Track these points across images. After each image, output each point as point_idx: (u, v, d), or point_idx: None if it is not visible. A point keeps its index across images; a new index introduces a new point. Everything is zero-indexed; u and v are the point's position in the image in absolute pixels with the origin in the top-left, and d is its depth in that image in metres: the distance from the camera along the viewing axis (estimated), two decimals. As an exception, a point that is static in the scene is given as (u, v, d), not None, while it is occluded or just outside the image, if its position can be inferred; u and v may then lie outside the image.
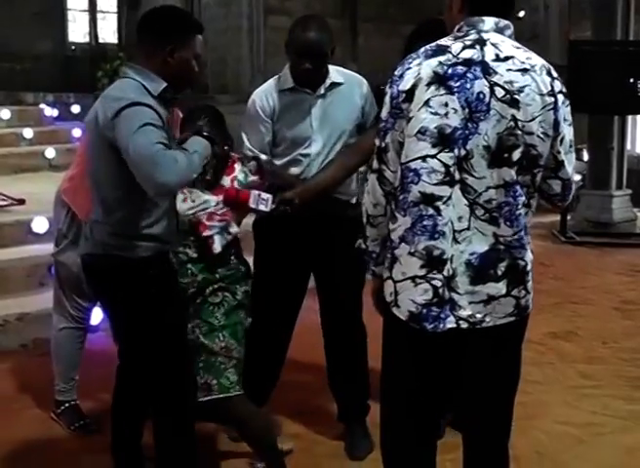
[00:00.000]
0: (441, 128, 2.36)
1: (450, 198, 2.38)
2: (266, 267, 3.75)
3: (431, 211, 2.39)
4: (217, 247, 3.23)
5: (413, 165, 2.40)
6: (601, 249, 8.76)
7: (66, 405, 4.07)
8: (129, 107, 2.72)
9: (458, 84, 2.35)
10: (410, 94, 2.41)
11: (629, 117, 10.12)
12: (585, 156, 10.53)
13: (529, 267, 2.47)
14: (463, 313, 2.41)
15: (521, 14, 12.45)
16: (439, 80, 2.37)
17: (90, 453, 3.77)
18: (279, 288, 3.71)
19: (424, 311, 2.43)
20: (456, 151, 2.36)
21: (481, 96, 2.34)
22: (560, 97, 2.40)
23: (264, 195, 3.30)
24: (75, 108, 11.45)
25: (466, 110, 2.35)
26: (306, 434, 3.88)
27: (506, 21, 2.45)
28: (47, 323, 5.22)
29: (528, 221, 2.45)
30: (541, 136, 2.37)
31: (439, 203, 2.38)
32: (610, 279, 7.44)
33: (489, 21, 2.43)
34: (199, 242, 3.26)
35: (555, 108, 2.38)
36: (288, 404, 4.19)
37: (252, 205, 3.27)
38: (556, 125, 2.40)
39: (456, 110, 2.35)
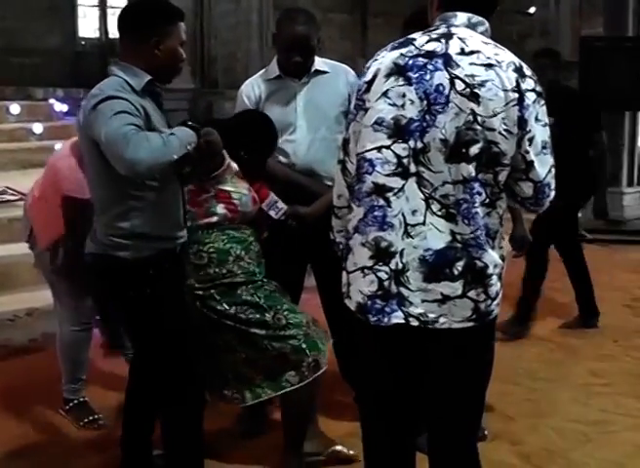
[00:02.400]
0: (397, 119, 2.34)
1: (402, 190, 2.34)
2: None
3: (382, 202, 2.37)
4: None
5: (368, 155, 2.39)
6: (612, 246, 8.74)
7: (75, 401, 4.06)
8: (104, 101, 2.73)
9: (416, 75, 2.34)
10: (369, 85, 2.43)
11: (640, 114, 10.06)
12: (596, 153, 10.49)
13: (491, 270, 2.33)
14: (414, 310, 2.35)
15: (532, 9, 12.39)
16: (398, 71, 2.37)
17: (99, 448, 3.79)
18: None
19: (369, 303, 2.40)
20: (411, 143, 2.33)
21: (440, 88, 2.31)
22: (530, 96, 2.31)
23: (280, 204, 3.34)
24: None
25: (424, 102, 2.32)
26: (329, 431, 3.83)
27: (480, 18, 2.42)
28: (56, 318, 5.25)
29: (494, 223, 2.35)
30: (504, 133, 2.29)
31: (390, 194, 2.35)
32: (621, 276, 7.42)
33: (461, 17, 2.42)
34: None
35: (521, 105, 2.29)
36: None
37: (264, 206, 3.29)
38: (522, 123, 2.30)
39: (412, 101, 2.33)
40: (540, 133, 2.34)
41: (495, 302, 2.38)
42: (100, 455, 3.70)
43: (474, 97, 2.28)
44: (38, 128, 9.52)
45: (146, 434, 3.40)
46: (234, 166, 3.37)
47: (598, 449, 3.82)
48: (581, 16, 12.16)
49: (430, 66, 2.33)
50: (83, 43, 14.45)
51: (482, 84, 2.28)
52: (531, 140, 2.32)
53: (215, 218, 3.30)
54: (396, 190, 2.35)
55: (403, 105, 2.34)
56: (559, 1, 12.90)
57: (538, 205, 2.44)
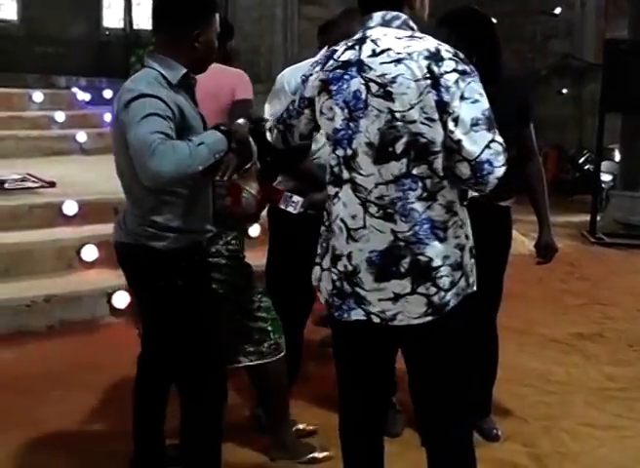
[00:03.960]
0: (331, 131, 2.45)
1: (336, 197, 2.46)
2: (281, 254, 3.84)
3: (327, 208, 2.53)
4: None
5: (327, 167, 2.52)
6: (630, 250, 8.71)
7: None
8: (137, 99, 2.69)
9: (336, 87, 2.43)
10: (311, 103, 2.55)
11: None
12: (617, 156, 10.45)
13: (437, 263, 2.37)
14: (373, 308, 2.45)
15: (557, 10, 12.34)
16: (324, 87, 2.47)
17: (114, 435, 3.80)
18: (293, 276, 3.71)
19: (330, 299, 2.55)
20: (339, 152, 2.44)
21: (358, 94, 2.38)
22: (450, 77, 2.29)
23: (295, 198, 3.34)
24: (107, 93, 11.49)
25: (346, 111, 2.40)
26: (327, 423, 3.86)
27: (394, 13, 2.44)
28: (74, 305, 5.31)
29: (439, 214, 2.37)
30: (426, 121, 2.30)
31: (329, 201, 2.51)
32: (637, 281, 7.39)
33: (376, 17, 2.46)
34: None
35: (437, 90, 2.28)
36: (306, 396, 4.21)
37: (281, 205, 3.30)
38: (441, 106, 2.29)
39: (336, 112, 2.42)
40: (468, 110, 2.30)
41: (450, 292, 2.41)
42: (114, 442, 3.71)
43: (388, 96, 2.33)
44: (60, 116, 9.58)
45: (159, 424, 3.42)
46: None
47: (611, 454, 3.81)
48: (607, 18, 12.10)
49: (347, 76, 2.41)
50: (107, 33, 14.55)
51: (393, 80, 2.32)
52: (456, 120, 2.29)
53: (215, 207, 3.34)
54: (332, 197, 2.48)
55: (333, 118, 2.44)
56: (585, 3, 12.85)
57: (480, 184, 2.34)
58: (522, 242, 7.33)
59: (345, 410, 2.75)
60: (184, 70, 2.89)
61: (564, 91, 12.88)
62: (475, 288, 2.55)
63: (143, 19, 14.58)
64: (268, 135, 2.81)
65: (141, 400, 3.40)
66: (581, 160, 12.15)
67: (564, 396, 4.45)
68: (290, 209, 3.34)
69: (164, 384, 3.34)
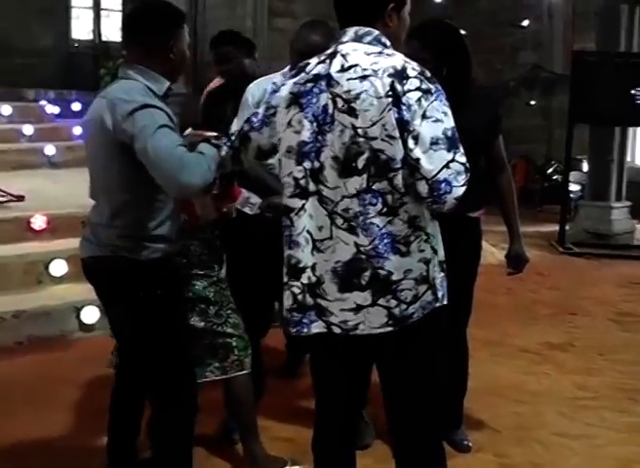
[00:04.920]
0: (298, 144, 2.45)
1: (302, 209, 2.45)
2: (237, 266, 3.80)
3: (288, 222, 2.50)
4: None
5: (284, 180, 2.52)
6: (599, 260, 8.78)
7: None
8: (141, 109, 2.71)
9: (305, 100, 2.44)
10: (275, 109, 2.54)
11: (630, 129, 10.12)
12: (585, 167, 10.55)
13: (397, 277, 2.39)
14: (335, 319, 2.46)
15: (525, 22, 12.44)
16: (294, 100, 2.47)
17: (85, 451, 3.76)
18: (252, 288, 3.74)
19: (289, 316, 2.54)
20: (306, 164, 2.44)
21: (325, 108, 2.40)
22: (412, 95, 2.30)
23: (254, 199, 3.34)
24: (76, 106, 11.41)
25: (314, 124, 2.42)
26: (301, 437, 3.86)
27: (367, 29, 2.45)
28: (43, 320, 5.25)
29: (400, 230, 2.38)
30: (387, 139, 2.31)
31: (292, 214, 2.48)
32: (607, 290, 7.44)
33: (349, 32, 2.48)
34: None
35: (398, 108, 2.29)
36: (280, 408, 4.20)
37: (238, 205, 3.30)
38: (402, 124, 2.29)
39: (305, 126, 2.43)
40: (429, 129, 2.30)
41: (413, 306, 2.42)
42: (86, 458, 3.68)
43: (352, 112, 2.35)
44: (29, 129, 9.49)
45: (132, 438, 3.40)
46: None
47: (583, 463, 3.83)
48: (574, 30, 12.21)
49: (316, 89, 2.43)
50: (76, 45, 14.43)
51: (357, 97, 2.34)
52: (416, 138, 2.29)
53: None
54: (297, 210, 2.47)
55: (301, 131, 2.44)
56: (552, 15, 12.97)
57: (437, 203, 2.32)
58: (492, 253, 7.38)
59: (319, 423, 2.75)
60: (168, 83, 2.94)
61: (532, 102, 12.97)
62: (446, 301, 2.55)
63: (113, 31, 14.53)
64: (222, 151, 2.80)
65: (116, 410, 3.40)
66: (550, 170, 12.23)
67: (536, 406, 4.47)
68: (246, 209, 3.36)
69: (139, 395, 3.33)
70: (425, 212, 2.44)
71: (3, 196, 6.53)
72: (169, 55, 2.92)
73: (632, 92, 9.08)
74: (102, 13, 14.36)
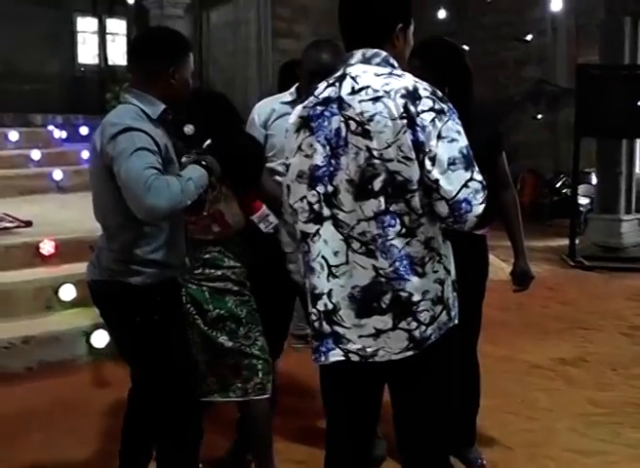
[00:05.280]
0: (310, 168, 2.43)
1: (317, 234, 2.43)
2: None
3: (306, 247, 2.47)
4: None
5: (295, 205, 2.49)
6: (610, 273, 8.73)
7: None
8: (124, 132, 2.74)
9: (316, 124, 2.42)
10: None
11: (638, 141, 10.10)
12: (594, 180, 10.52)
13: (417, 298, 2.37)
14: (352, 346, 2.43)
15: (529, 37, 12.46)
16: (304, 124, 2.46)
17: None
18: (264, 307, 3.70)
19: (311, 343, 2.54)
20: (319, 189, 2.41)
21: (339, 131, 2.38)
22: (426, 116, 2.28)
23: (272, 218, 3.40)
24: (84, 130, 11.48)
25: (327, 148, 2.39)
26: (312, 459, 3.84)
27: (375, 50, 2.44)
28: (52, 345, 5.25)
29: (417, 251, 2.36)
30: (403, 160, 2.29)
31: (308, 240, 2.46)
32: (619, 304, 7.40)
33: (357, 54, 2.46)
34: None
35: (413, 129, 2.27)
36: (292, 430, 4.18)
37: (254, 218, 3.35)
38: (417, 146, 2.28)
39: (317, 149, 2.41)
40: (445, 149, 2.29)
41: (431, 327, 2.40)
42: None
43: (366, 134, 2.32)
44: (36, 154, 9.54)
45: (144, 461, 3.39)
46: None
47: (597, 480, 3.80)
48: (578, 43, 12.23)
49: (327, 113, 2.41)
50: (82, 69, 14.53)
51: (371, 119, 2.31)
52: (433, 160, 2.28)
53: (210, 236, 3.40)
54: (311, 235, 2.44)
55: (312, 155, 2.42)
56: (556, 28, 12.99)
57: (458, 223, 2.34)
58: (502, 268, 7.35)
59: (331, 449, 2.71)
60: (164, 106, 2.96)
61: (539, 116, 12.97)
62: (457, 321, 2.53)
63: (118, 56, 14.63)
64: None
65: (128, 434, 3.39)
66: (559, 184, 12.22)
67: (548, 422, 4.43)
68: (262, 226, 3.41)
69: (151, 421, 3.31)
70: (438, 232, 2.43)
71: (11, 222, 6.55)
72: (169, 80, 2.95)
73: (639, 103, 9.07)
74: (108, 37, 14.48)
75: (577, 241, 9.49)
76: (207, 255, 3.40)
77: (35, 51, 12.95)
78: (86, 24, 14.78)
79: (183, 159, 3.14)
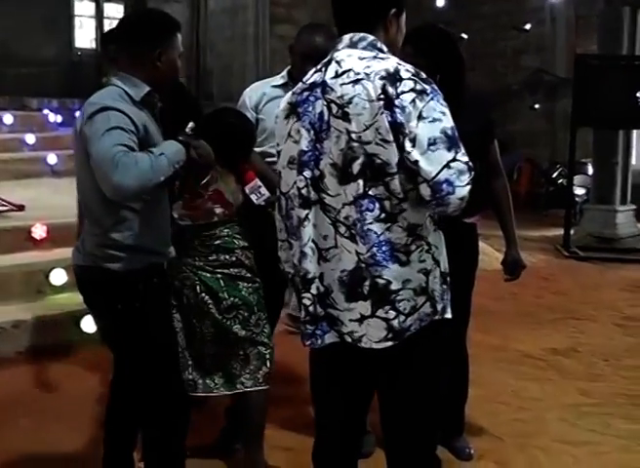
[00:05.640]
0: (298, 153, 2.41)
1: (306, 219, 2.41)
2: None
3: (298, 233, 2.45)
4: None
5: (290, 192, 2.47)
6: (604, 264, 8.73)
7: None
8: (100, 112, 2.71)
9: (302, 109, 2.42)
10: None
11: (634, 132, 10.08)
12: (590, 170, 10.52)
13: (396, 286, 2.33)
14: (345, 329, 2.42)
15: (527, 26, 12.42)
16: (292, 110, 2.46)
17: (83, 463, 3.74)
18: None
19: (302, 328, 2.50)
20: (307, 173, 2.40)
21: (321, 115, 2.37)
22: (406, 97, 2.24)
23: (263, 190, 3.39)
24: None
25: (312, 132, 2.39)
26: (301, 446, 3.83)
27: (361, 34, 2.42)
28: (43, 330, 5.23)
29: (398, 237, 2.32)
30: (380, 143, 2.26)
31: (300, 225, 2.44)
32: (612, 295, 7.40)
33: (345, 39, 2.45)
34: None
35: (391, 111, 2.23)
36: (281, 417, 4.16)
37: (247, 189, 3.35)
38: (395, 127, 2.23)
39: (303, 135, 2.40)
40: (426, 130, 2.24)
41: (411, 317, 2.37)
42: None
43: (346, 117, 2.31)
44: (31, 138, 9.48)
45: (128, 449, 3.37)
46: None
47: (586, 471, 3.79)
48: (577, 33, 12.20)
49: (312, 98, 2.40)
50: (79, 53, 14.45)
51: (350, 101, 2.30)
52: (413, 141, 2.24)
53: (214, 218, 3.38)
54: (301, 220, 2.42)
55: (299, 141, 2.41)
56: (555, 18, 12.96)
57: (440, 205, 2.27)
58: (496, 258, 7.32)
59: (321, 437, 2.70)
60: (148, 88, 2.92)
61: (536, 106, 12.95)
62: (447, 315, 2.48)
63: (115, 40, 14.55)
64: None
65: (111, 424, 3.36)
66: (555, 174, 12.22)
67: (538, 412, 4.43)
68: (253, 197, 3.39)
69: (134, 408, 3.29)
70: (427, 221, 2.39)
71: (4, 205, 6.53)
72: (155, 63, 2.91)
73: (637, 94, 9.05)
74: (105, 21, 14.38)
75: (572, 231, 9.50)
76: (217, 241, 3.38)
77: (32, 34, 12.88)
78: (83, 8, 14.69)
79: None
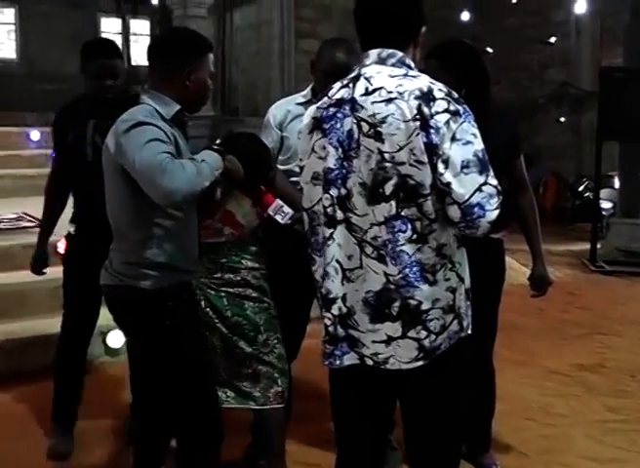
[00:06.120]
0: (324, 170, 2.39)
1: (331, 238, 2.39)
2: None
3: (322, 251, 2.44)
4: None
5: (315, 208, 2.45)
6: (631, 278, 8.66)
7: None
8: (135, 127, 2.73)
9: (328, 126, 2.39)
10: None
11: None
12: (616, 184, 10.44)
13: (426, 306, 2.33)
14: (367, 351, 2.40)
15: (552, 39, 12.39)
16: (317, 125, 2.43)
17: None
18: (281, 305, 3.67)
19: (323, 348, 2.50)
20: (333, 192, 2.38)
21: (351, 133, 2.34)
22: (440, 118, 2.24)
23: (286, 209, 3.38)
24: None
25: (339, 150, 2.36)
26: (325, 462, 3.82)
27: (390, 50, 2.39)
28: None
29: (428, 258, 2.31)
30: (415, 164, 2.25)
31: (324, 244, 2.43)
32: (639, 310, 7.32)
33: (372, 54, 2.42)
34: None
35: (426, 132, 2.23)
36: (304, 434, 4.15)
37: (270, 211, 3.33)
38: (430, 149, 2.23)
39: (329, 152, 2.37)
40: (459, 152, 2.24)
41: (441, 336, 2.36)
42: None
43: (378, 136, 2.28)
44: (58, 154, 9.53)
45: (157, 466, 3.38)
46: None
47: (612, 488, 3.76)
48: (602, 46, 12.15)
49: (340, 114, 2.37)
50: (105, 70, 14.54)
51: (383, 121, 2.27)
52: (446, 162, 2.24)
53: (222, 238, 3.41)
54: (325, 239, 2.41)
55: (326, 157, 2.39)
56: (580, 31, 12.91)
57: (470, 228, 2.28)
58: (523, 273, 7.29)
59: (342, 457, 2.67)
60: (178, 107, 2.92)
61: (562, 119, 12.89)
62: (470, 331, 2.48)
63: (141, 56, 14.66)
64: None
65: (141, 449, 3.36)
66: (581, 188, 12.14)
67: (565, 429, 4.40)
68: (278, 217, 3.37)
69: (161, 430, 3.29)
70: (452, 239, 2.38)
71: (30, 221, 6.58)
72: (184, 82, 2.91)
73: (662, 107, 8.98)
74: (131, 38, 14.52)
75: (598, 245, 9.42)
76: (224, 259, 3.41)
77: (59, 51, 13.01)
78: (110, 25, 14.86)
79: None
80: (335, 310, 2.42)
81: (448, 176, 2.24)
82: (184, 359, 2.99)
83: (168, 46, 3.02)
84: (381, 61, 2.40)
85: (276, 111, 3.85)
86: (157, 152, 2.63)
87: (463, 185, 2.24)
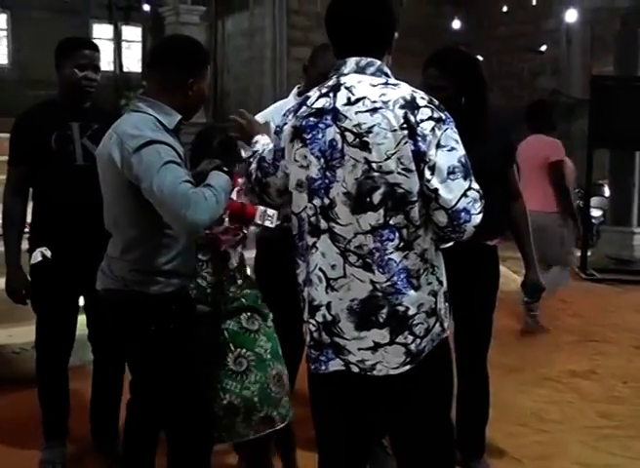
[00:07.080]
0: (307, 179, 2.40)
1: (314, 247, 2.40)
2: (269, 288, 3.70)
3: (305, 259, 2.45)
4: (232, 262, 3.33)
5: (302, 214, 2.45)
6: (622, 286, 8.71)
7: None
8: (148, 145, 2.70)
9: (310, 136, 2.38)
10: (283, 151, 2.49)
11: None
12: (607, 192, 10.50)
13: (413, 311, 2.35)
14: (353, 358, 2.41)
15: (543, 48, 12.45)
16: (297, 134, 2.42)
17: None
18: (282, 312, 3.67)
19: (308, 352, 2.51)
20: (316, 201, 2.38)
21: (334, 143, 2.34)
22: (426, 125, 2.27)
23: (270, 211, 3.33)
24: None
25: (322, 160, 2.36)
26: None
27: (369, 59, 2.40)
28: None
29: (414, 264, 2.34)
30: (403, 172, 2.27)
31: (307, 252, 2.43)
32: (630, 317, 7.37)
33: (350, 63, 2.42)
34: (214, 262, 3.31)
35: (414, 139, 2.25)
36: (304, 439, 4.15)
37: (258, 221, 3.29)
38: (418, 156, 2.26)
39: (312, 162, 2.38)
40: (445, 158, 2.28)
41: (425, 339, 2.39)
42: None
43: (364, 146, 2.29)
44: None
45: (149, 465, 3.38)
46: None
47: (606, 494, 3.77)
48: (593, 54, 12.22)
49: (321, 124, 2.37)
50: (97, 76, 14.55)
51: (369, 130, 2.28)
52: (432, 169, 2.27)
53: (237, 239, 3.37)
54: (309, 247, 2.42)
55: (308, 166, 2.39)
56: (570, 40, 12.99)
57: (456, 232, 2.32)
58: (513, 280, 7.33)
59: (324, 462, 2.66)
60: (179, 116, 2.92)
61: (552, 127, 12.94)
62: (448, 332, 2.51)
63: (133, 62, 14.69)
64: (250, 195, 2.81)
65: (130, 447, 3.36)
66: (571, 196, 12.18)
67: (558, 435, 4.41)
68: (267, 223, 3.33)
69: (153, 430, 3.30)
70: (431, 243, 2.40)
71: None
72: (187, 92, 2.91)
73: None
74: (123, 44, 14.54)
75: (589, 253, 9.46)
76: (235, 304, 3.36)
77: (51, 57, 13.01)
78: (102, 31, 14.88)
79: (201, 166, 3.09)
80: (319, 317, 2.43)
81: (435, 183, 2.27)
82: (184, 362, 3.00)
83: (173, 55, 2.98)
84: (361, 70, 2.40)
85: (275, 115, 3.78)
86: (178, 181, 2.63)
87: (451, 191, 2.28)
